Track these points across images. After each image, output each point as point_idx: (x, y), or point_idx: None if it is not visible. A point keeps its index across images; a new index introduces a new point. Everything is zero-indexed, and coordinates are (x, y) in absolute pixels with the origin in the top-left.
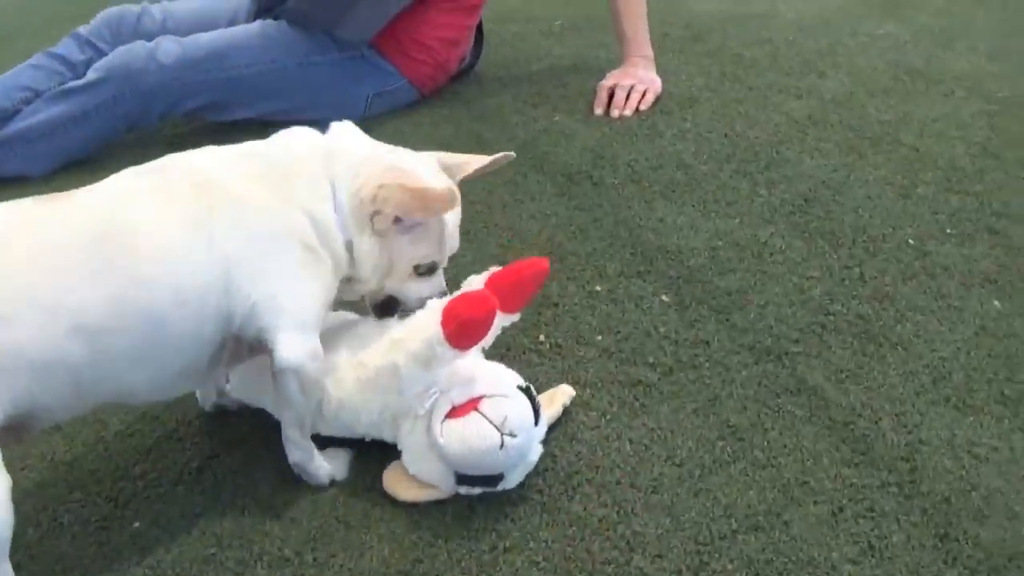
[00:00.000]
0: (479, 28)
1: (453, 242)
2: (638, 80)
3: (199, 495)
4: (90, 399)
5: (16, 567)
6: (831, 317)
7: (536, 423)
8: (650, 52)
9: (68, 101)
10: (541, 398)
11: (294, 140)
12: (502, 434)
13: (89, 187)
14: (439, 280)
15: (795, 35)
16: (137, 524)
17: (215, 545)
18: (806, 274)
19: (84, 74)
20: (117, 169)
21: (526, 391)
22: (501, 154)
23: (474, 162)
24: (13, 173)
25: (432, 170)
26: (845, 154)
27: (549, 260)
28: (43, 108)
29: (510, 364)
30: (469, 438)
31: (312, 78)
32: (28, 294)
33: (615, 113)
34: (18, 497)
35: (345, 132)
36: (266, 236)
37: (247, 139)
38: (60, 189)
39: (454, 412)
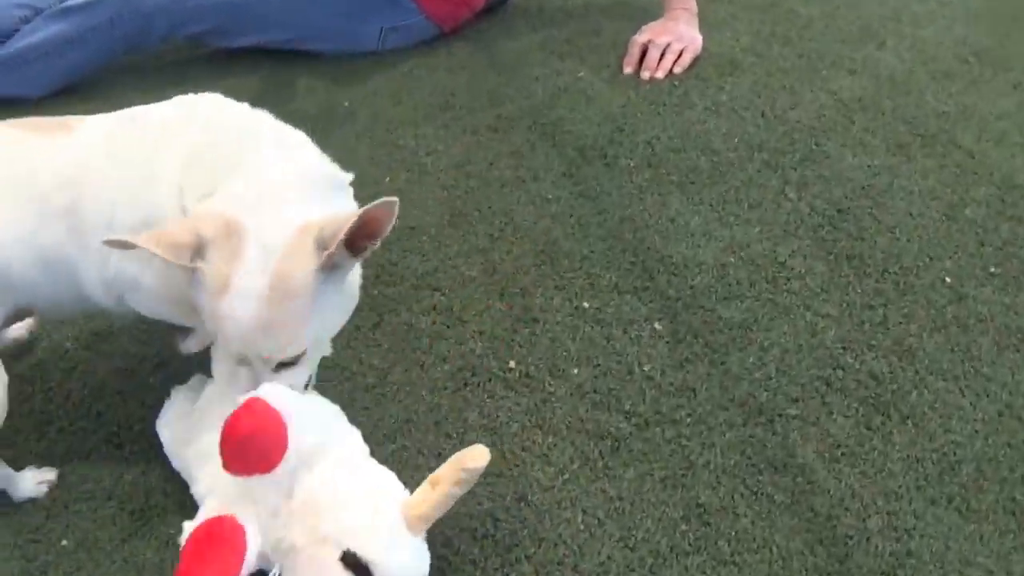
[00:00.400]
0: None
1: (241, 346)
2: (675, 37)
3: (128, 515)
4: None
5: None
6: (840, 372)
7: None
8: (694, 5)
9: (66, 20)
10: (443, 470)
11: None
12: None
13: (88, 123)
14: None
15: None
16: (65, 542)
17: None
18: (822, 311)
19: None
20: (116, 93)
21: (351, 560)
22: (379, 202)
23: (343, 227)
24: (11, 94)
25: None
26: (892, 153)
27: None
28: (41, 27)
29: (473, 393)
30: None
31: (320, 7)
32: None
33: (645, 75)
34: None
35: (284, 158)
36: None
37: (249, 68)
38: (58, 112)
39: None
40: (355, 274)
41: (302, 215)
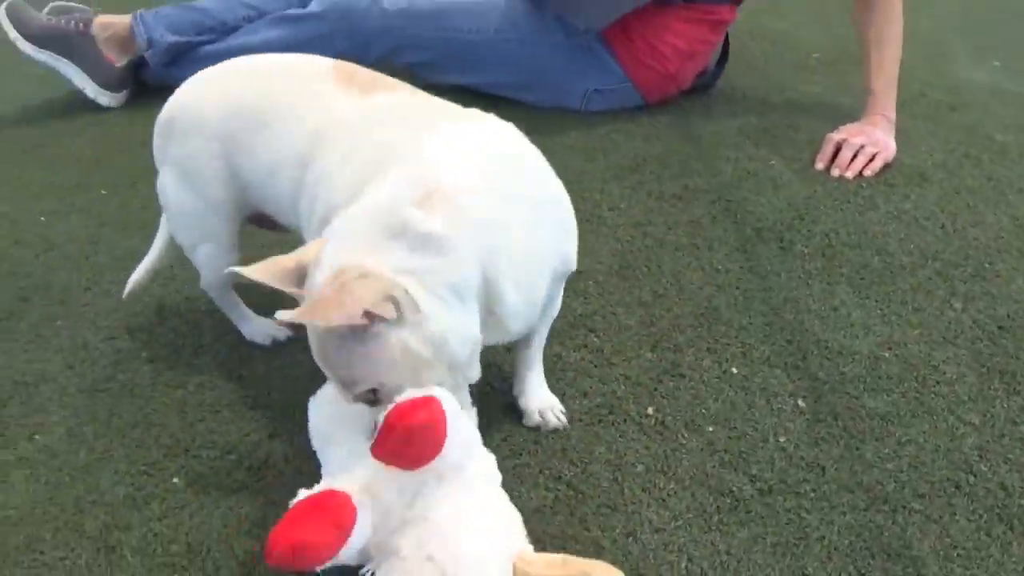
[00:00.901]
0: (726, 44)
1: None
2: (871, 141)
3: (244, 471)
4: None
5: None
6: (971, 478)
7: None
8: (893, 113)
9: (285, 27)
10: (573, 561)
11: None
12: None
13: (385, 95)
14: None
15: None
16: (176, 480)
17: (235, 528)
18: (965, 417)
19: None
20: None
21: None
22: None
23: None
24: None
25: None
26: None
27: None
28: (262, 29)
29: (605, 429)
30: None
31: (531, 59)
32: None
33: (835, 172)
34: (83, 420)
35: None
36: None
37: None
38: None
39: None
40: (454, 322)
41: (352, 261)
